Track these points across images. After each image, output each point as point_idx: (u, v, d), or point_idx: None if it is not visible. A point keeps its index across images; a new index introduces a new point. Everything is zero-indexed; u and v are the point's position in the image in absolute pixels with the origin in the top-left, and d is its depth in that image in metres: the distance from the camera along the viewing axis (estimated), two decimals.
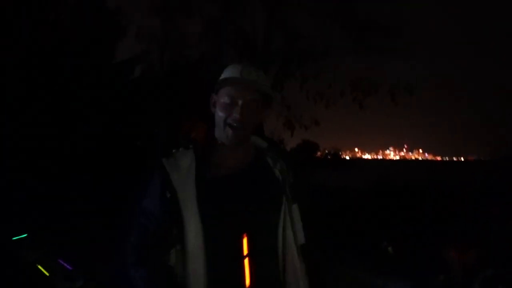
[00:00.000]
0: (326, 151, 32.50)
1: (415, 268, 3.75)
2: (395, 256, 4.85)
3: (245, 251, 1.28)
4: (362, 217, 6.53)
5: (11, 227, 4.39)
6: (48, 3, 7.10)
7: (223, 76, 1.37)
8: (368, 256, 4.87)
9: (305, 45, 7.88)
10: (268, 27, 7.70)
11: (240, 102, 1.31)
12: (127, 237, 1.38)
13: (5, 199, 4.60)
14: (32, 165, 4.89)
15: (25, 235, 4.43)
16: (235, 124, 1.30)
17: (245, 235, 1.29)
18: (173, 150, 1.39)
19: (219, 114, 1.33)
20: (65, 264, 4.23)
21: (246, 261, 1.28)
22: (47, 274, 4.08)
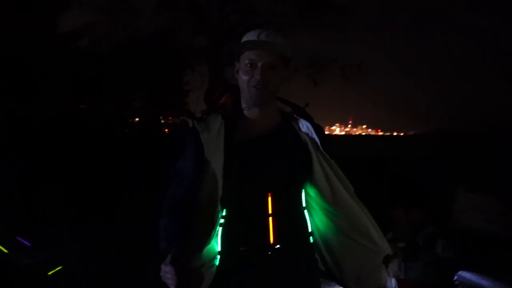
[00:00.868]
0: None
1: None
2: None
3: (270, 210, 1.35)
4: None
5: None
6: None
7: (241, 41, 1.42)
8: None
9: (260, 22, 7.92)
10: (223, 2, 7.64)
11: (259, 64, 1.35)
12: (165, 193, 1.46)
13: None
14: None
15: None
16: (257, 86, 1.36)
17: (269, 194, 1.36)
18: (203, 115, 1.45)
19: (242, 78, 1.39)
20: (24, 241, 4.17)
21: (270, 219, 1.35)
22: (6, 251, 4.01)
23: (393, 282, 1.59)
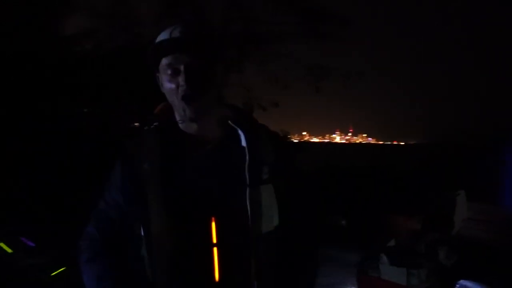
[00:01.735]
0: None
1: (367, 237, 4.12)
2: (348, 228, 5.24)
3: (214, 239, 1.09)
4: (315, 195, 6.87)
5: None
6: None
7: (154, 45, 1.13)
8: (322, 230, 5.20)
9: (262, 29, 8.02)
10: (227, 9, 7.74)
11: (181, 67, 1.07)
12: (84, 228, 1.23)
13: None
14: None
15: None
16: (186, 95, 1.07)
17: (213, 219, 1.09)
18: (135, 131, 1.21)
19: (168, 89, 1.11)
20: (27, 242, 4.19)
21: (215, 250, 1.09)
22: (10, 251, 4.03)
23: None
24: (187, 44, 1.08)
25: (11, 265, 3.84)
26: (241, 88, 8.12)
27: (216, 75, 1.14)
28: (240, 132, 1.16)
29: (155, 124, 1.18)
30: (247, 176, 1.11)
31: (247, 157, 1.12)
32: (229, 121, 1.18)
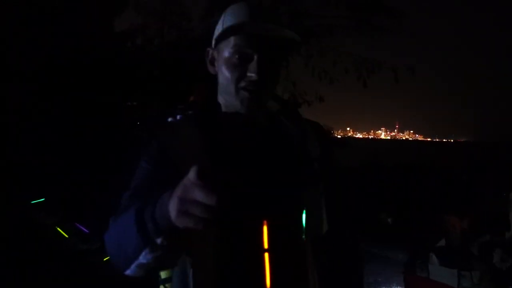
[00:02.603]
0: None
1: (414, 236, 4.01)
2: (394, 227, 5.12)
3: (265, 244, 0.97)
4: (360, 192, 6.78)
5: (29, 192, 4.56)
6: None
7: (223, 23, 0.98)
8: (368, 228, 5.12)
9: (310, 23, 7.92)
10: (274, 3, 7.72)
11: (255, 56, 0.94)
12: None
13: (23, 165, 4.74)
14: (49, 133, 5.01)
15: (43, 199, 4.60)
16: (252, 88, 0.95)
17: (265, 222, 0.97)
18: (169, 119, 1.06)
19: (226, 75, 0.97)
20: (82, 228, 4.44)
21: (266, 256, 0.97)
22: (66, 236, 4.30)
23: None
24: (268, 32, 0.93)
25: (67, 249, 4.10)
26: (286, 82, 8.09)
27: (284, 65, 1.00)
28: (289, 125, 1.07)
29: (189, 112, 1.04)
30: (301, 173, 1.01)
31: (299, 153, 1.03)
32: (279, 115, 1.08)
